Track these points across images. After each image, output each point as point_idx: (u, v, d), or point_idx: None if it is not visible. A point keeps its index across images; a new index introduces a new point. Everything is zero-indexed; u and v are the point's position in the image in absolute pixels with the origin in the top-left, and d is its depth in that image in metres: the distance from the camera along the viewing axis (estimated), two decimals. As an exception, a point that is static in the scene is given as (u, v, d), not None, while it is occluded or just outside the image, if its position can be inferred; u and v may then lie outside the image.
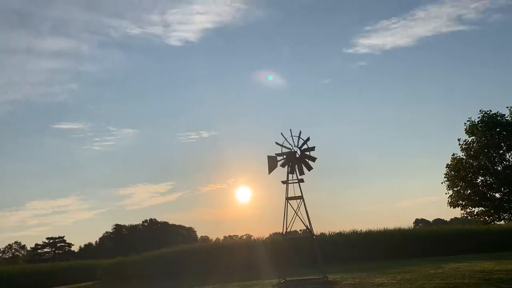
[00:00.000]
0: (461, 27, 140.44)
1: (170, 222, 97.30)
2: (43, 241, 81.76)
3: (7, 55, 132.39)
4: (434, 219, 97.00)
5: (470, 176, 20.40)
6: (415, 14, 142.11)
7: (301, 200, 20.22)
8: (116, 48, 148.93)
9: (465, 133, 21.05)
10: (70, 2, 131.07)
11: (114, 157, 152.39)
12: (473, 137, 20.69)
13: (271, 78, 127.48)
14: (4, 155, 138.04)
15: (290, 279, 20.10)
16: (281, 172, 20.84)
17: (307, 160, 20.67)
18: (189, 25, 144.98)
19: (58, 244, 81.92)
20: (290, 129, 20.85)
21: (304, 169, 20.58)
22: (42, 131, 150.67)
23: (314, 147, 20.71)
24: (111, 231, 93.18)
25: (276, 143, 20.90)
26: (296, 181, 20.49)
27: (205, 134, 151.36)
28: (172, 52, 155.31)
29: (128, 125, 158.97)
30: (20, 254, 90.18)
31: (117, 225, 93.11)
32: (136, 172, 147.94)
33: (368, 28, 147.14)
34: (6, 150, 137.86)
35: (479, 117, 20.46)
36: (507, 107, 20.29)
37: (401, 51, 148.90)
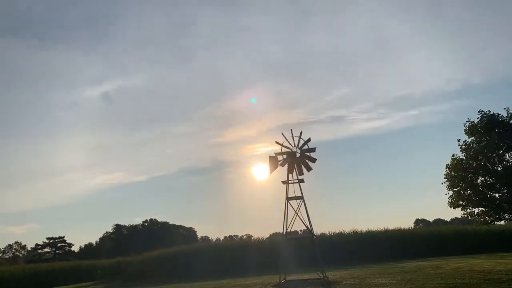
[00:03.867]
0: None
1: (170, 222, 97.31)
2: (43, 241, 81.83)
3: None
4: (434, 219, 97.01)
5: (470, 177, 20.43)
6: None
7: (301, 200, 20.24)
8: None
9: (465, 133, 21.10)
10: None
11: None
12: (473, 138, 20.73)
13: (253, 100, 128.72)
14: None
15: (290, 279, 20.13)
16: (281, 172, 20.87)
17: (309, 157, 20.61)
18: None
19: (58, 244, 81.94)
20: (292, 129, 20.88)
21: (305, 168, 20.57)
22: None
23: (315, 148, 20.69)
24: (111, 231, 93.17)
25: (276, 142, 20.92)
26: (296, 181, 20.50)
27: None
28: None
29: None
30: (20, 254, 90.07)
31: (117, 225, 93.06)
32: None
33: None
34: None
35: (478, 118, 20.52)
36: (504, 109, 20.40)
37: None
